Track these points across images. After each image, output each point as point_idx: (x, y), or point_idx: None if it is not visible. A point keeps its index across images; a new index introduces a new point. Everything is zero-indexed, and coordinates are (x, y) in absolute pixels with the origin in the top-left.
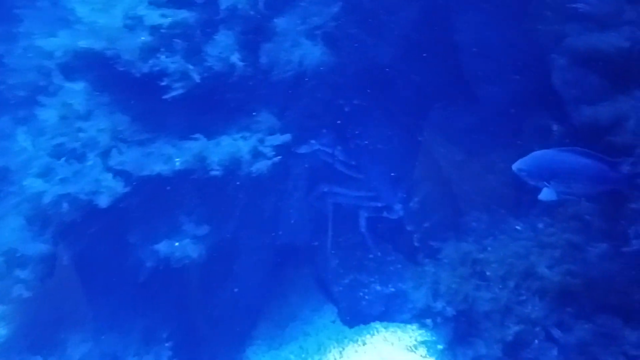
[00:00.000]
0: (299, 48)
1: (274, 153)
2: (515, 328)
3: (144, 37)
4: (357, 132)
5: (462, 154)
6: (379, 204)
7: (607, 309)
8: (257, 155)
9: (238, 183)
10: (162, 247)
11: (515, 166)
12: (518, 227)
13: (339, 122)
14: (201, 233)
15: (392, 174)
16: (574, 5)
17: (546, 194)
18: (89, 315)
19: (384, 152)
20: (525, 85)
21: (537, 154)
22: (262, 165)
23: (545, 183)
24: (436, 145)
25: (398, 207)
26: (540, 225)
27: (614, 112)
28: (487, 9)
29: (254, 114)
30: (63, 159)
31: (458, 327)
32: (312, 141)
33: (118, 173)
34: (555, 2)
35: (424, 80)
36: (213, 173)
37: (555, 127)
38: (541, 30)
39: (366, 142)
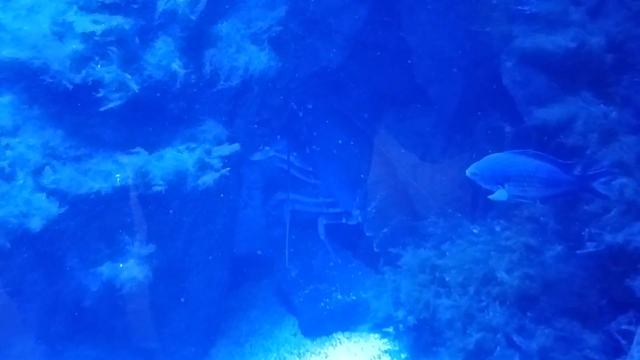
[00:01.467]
0: (244, 53)
1: (221, 164)
2: (477, 336)
3: (75, 46)
4: (312, 137)
5: (417, 157)
6: (338, 210)
7: (566, 312)
8: (203, 167)
9: (184, 198)
10: (105, 269)
11: (468, 171)
12: (475, 231)
13: (292, 127)
14: (147, 253)
15: (349, 179)
16: (520, 7)
17: (498, 194)
18: (26, 349)
19: (340, 157)
20: (477, 86)
21: (490, 157)
22: (209, 178)
23: (500, 187)
24: (391, 148)
25: (356, 212)
26: (497, 228)
27: (563, 113)
28: (435, 10)
29: (199, 123)
30: None
31: (420, 336)
32: (267, 148)
33: (52, 193)
34: (503, 3)
35: (377, 83)
36: (156, 189)
37: (507, 129)
38: (489, 31)
39: (321, 147)
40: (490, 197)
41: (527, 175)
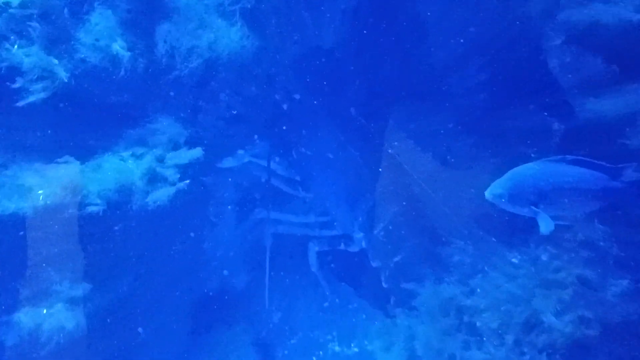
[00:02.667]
0: (209, 30)
1: (179, 175)
2: None
3: None
4: (300, 138)
5: (437, 164)
6: (334, 233)
7: None
8: (154, 180)
9: (129, 221)
10: (25, 317)
11: (490, 192)
12: (514, 260)
13: (275, 125)
14: (80, 294)
15: (349, 192)
16: None
17: (544, 224)
18: None
19: (337, 163)
20: (513, 72)
21: (517, 172)
22: (162, 194)
23: (534, 208)
24: (404, 152)
25: (359, 236)
26: (544, 257)
27: (625, 105)
28: None
29: (149, 121)
30: None
31: None
32: (240, 151)
33: None
34: None
35: (384, 68)
36: (92, 209)
37: (555, 126)
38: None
39: (313, 150)
40: (541, 230)
41: (568, 188)
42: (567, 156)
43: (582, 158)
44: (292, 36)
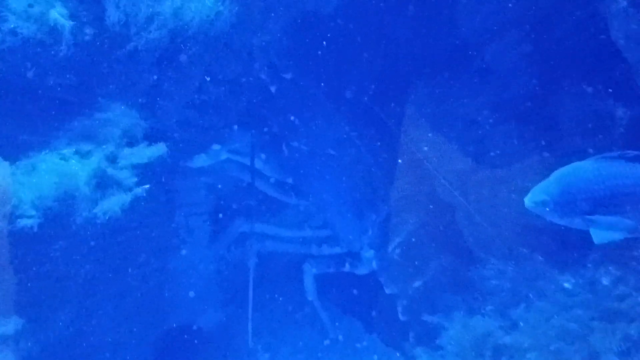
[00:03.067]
0: None
1: (136, 179)
2: None
3: None
4: (293, 129)
5: (469, 161)
6: (337, 251)
7: None
8: (105, 184)
9: (72, 237)
10: None
11: (530, 199)
12: (567, 285)
13: (260, 112)
14: (9, 331)
15: (356, 199)
16: None
17: (601, 233)
18: None
19: (340, 161)
20: (564, 44)
21: (565, 173)
22: (114, 203)
23: (588, 218)
24: (426, 146)
25: (369, 254)
26: (605, 281)
27: None
28: None
29: (98, 109)
30: None
31: None
32: (216, 147)
33: None
34: None
35: (399, 39)
36: (25, 222)
37: (619, 112)
38: None
39: (310, 144)
40: (595, 241)
41: (631, 193)
42: (629, 152)
43: None
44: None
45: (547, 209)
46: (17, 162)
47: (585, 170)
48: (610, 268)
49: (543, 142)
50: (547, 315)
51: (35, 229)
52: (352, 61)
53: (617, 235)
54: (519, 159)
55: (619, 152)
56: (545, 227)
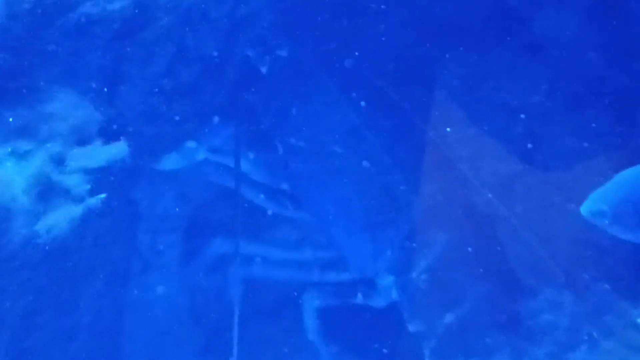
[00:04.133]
0: None
1: (89, 186)
2: None
3: None
4: (289, 120)
5: (515, 163)
6: (345, 277)
7: None
8: (49, 193)
9: (7, 262)
10: None
11: (587, 208)
12: None
13: (246, 100)
14: None
15: (370, 212)
16: None
17: None
18: None
19: (348, 160)
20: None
21: (628, 177)
22: (61, 217)
23: None
24: (459, 145)
25: (387, 281)
26: None
27: None
28: None
29: (40, 97)
30: None
31: None
32: (191, 144)
33: None
34: None
35: (424, 4)
36: None
37: None
38: None
39: (309, 140)
40: None
41: None
42: None
43: None
44: None
45: (606, 221)
46: None
47: None
48: None
49: (609, 138)
50: (616, 359)
51: None
52: (364, 33)
53: None
54: (578, 159)
55: None
56: (614, 247)
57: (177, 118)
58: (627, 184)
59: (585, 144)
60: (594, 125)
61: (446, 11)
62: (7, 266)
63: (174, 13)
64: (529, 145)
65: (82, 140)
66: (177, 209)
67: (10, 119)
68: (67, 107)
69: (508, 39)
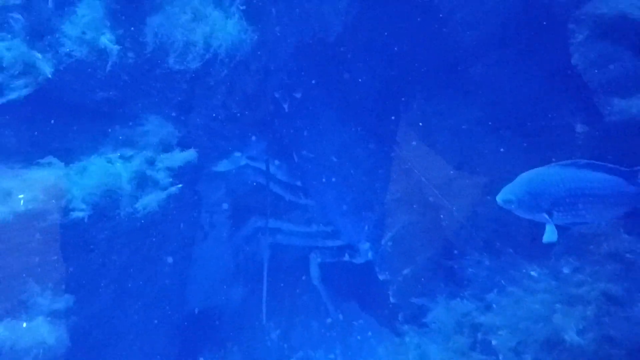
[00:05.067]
0: (204, 22)
1: (170, 179)
2: None
3: None
4: (301, 139)
5: (454, 168)
6: (339, 244)
7: None
8: (144, 184)
9: (116, 228)
10: (2, 330)
11: (500, 197)
12: (534, 274)
13: (274, 125)
14: (61, 307)
15: (355, 199)
16: None
17: (548, 233)
18: None
19: (342, 167)
20: (535, 68)
21: (527, 176)
22: (152, 200)
23: (545, 215)
24: (417, 155)
25: (365, 247)
26: (566, 270)
27: None
28: None
29: (138, 121)
30: None
31: None
32: (237, 154)
33: None
34: None
35: (395, 61)
36: (76, 215)
37: (579, 127)
38: None
39: (315, 152)
40: (544, 239)
41: (581, 194)
42: (579, 160)
43: (595, 162)
44: (293, 28)
45: (512, 206)
46: (70, 165)
47: (545, 175)
48: (570, 259)
49: (515, 153)
50: (517, 298)
51: (85, 221)
52: (353, 82)
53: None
54: (498, 166)
55: (570, 161)
56: (516, 225)
57: (228, 136)
58: (526, 182)
59: (499, 156)
60: (506, 144)
61: (411, 66)
62: (114, 232)
63: (228, 67)
64: (463, 158)
65: (166, 149)
66: (226, 197)
67: (120, 137)
68: (156, 127)
69: (454, 84)
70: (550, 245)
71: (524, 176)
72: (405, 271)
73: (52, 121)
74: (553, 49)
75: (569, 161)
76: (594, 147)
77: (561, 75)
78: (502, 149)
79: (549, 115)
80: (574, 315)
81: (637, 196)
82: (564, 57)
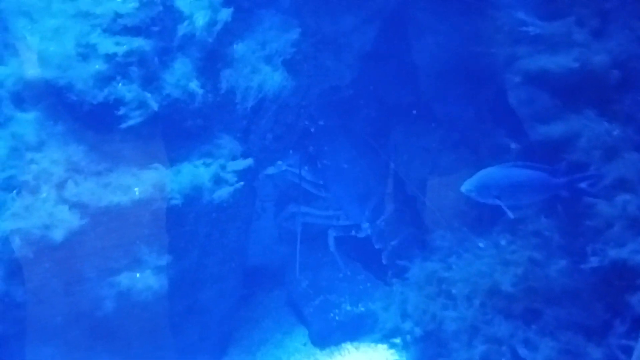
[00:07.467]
0: (258, 74)
1: (236, 179)
2: (482, 347)
3: (98, 66)
4: (323, 152)
5: (425, 172)
6: (348, 223)
7: (570, 326)
8: (219, 181)
9: (199, 211)
10: (123, 279)
11: (463, 187)
12: (481, 245)
13: (304, 143)
14: (163, 263)
15: (359, 193)
16: (524, 29)
17: (509, 212)
18: (45, 358)
19: (350, 171)
20: (482, 105)
21: (482, 173)
22: (224, 192)
23: (496, 199)
24: (401, 164)
25: (366, 225)
26: (503, 243)
27: (566, 130)
28: (442, 31)
29: (215, 139)
30: (14, 192)
31: (427, 347)
32: (279, 162)
33: (74, 205)
34: (507, 25)
35: (385, 100)
36: (173, 202)
37: (513, 145)
38: (495, 52)
39: (332, 161)
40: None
41: (518, 184)
42: (519, 162)
43: (530, 163)
44: (318, 77)
45: (473, 194)
46: (169, 168)
47: (495, 172)
48: (506, 235)
49: (470, 162)
50: (469, 261)
51: (180, 206)
52: (357, 113)
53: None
54: (456, 171)
55: (513, 163)
56: (469, 211)
57: (274, 150)
58: (482, 177)
59: (457, 165)
60: (462, 157)
61: (397, 104)
62: (199, 213)
63: (274, 103)
64: (433, 165)
65: (233, 158)
66: (272, 191)
67: (203, 150)
68: (227, 143)
69: (424, 117)
70: (495, 223)
71: (480, 173)
72: (393, 242)
73: (158, 139)
74: (495, 90)
75: (512, 163)
76: (524, 160)
77: (501, 109)
78: (458, 160)
79: (492, 137)
80: (508, 273)
81: (559, 186)
82: (503, 96)
